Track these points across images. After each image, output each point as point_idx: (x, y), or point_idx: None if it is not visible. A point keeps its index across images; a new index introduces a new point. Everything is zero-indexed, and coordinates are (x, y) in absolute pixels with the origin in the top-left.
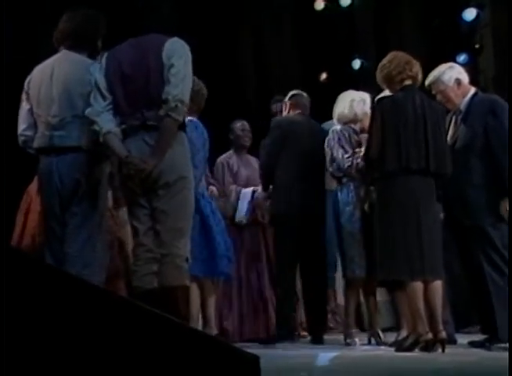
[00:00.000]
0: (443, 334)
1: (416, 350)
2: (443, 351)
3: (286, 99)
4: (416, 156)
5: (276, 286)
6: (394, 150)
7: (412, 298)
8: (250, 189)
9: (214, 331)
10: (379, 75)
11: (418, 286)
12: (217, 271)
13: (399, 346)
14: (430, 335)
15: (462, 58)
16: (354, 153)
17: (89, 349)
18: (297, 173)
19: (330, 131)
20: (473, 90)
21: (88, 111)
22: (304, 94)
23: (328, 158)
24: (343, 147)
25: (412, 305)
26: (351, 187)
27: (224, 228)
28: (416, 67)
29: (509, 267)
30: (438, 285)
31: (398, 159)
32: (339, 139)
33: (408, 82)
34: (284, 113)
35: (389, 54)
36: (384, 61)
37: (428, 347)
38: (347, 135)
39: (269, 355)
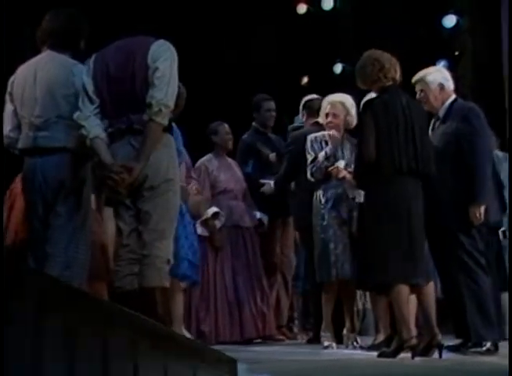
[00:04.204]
0: (439, 338)
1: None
2: (440, 356)
3: (301, 107)
4: (407, 157)
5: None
6: (388, 153)
7: (398, 301)
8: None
9: (182, 331)
10: (359, 75)
11: (404, 289)
12: (178, 273)
13: (382, 352)
14: (414, 341)
15: (441, 64)
16: (315, 158)
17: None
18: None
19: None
20: (453, 97)
21: (76, 115)
22: (318, 97)
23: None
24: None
25: (398, 309)
26: (324, 190)
27: (192, 231)
28: (396, 68)
29: (509, 267)
30: (430, 288)
31: (393, 161)
32: (311, 145)
33: (389, 83)
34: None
35: (366, 53)
36: (362, 62)
37: (413, 352)
38: (319, 141)
39: (246, 358)
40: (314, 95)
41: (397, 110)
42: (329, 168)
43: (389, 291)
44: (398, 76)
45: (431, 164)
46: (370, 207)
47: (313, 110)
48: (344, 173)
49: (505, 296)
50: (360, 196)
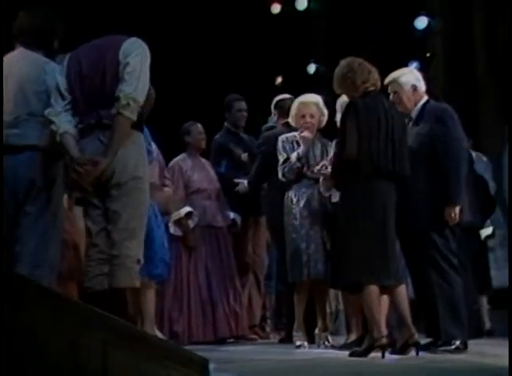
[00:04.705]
0: (416, 338)
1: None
2: (417, 354)
3: (272, 107)
4: (386, 159)
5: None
6: (368, 153)
7: (369, 302)
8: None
9: (154, 331)
10: (341, 83)
11: (374, 289)
12: (154, 273)
13: (354, 351)
14: (384, 340)
15: (413, 66)
16: (287, 159)
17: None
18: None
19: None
20: (425, 98)
21: (47, 111)
22: (290, 96)
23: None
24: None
25: (368, 309)
26: (296, 190)
27: (164, 231)
28: (377, 74)
29: (509, 266)
30: (403, 289)
31: (372, 162)
32: (283, 146)
33: (371, 88)
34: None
35: (346, 61)
36: (345, 69)
37: (384, 351)
38: (290, 141)
39: (219, 357)
40: (286, 95)
41: (379, 112)
42: (317, 169)
43: (360, 291)
44: (378, 82)
45: (407, 165)
46: (346, 207)
47: (284, 109)
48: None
49: (482, 297)
50: (335, 195)
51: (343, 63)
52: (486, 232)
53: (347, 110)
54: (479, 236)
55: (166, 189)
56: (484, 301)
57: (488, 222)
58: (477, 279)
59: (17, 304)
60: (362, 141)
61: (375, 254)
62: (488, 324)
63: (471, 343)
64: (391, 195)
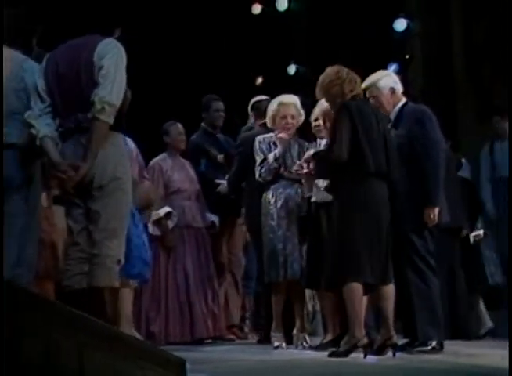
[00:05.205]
0: (395, 339)
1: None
2: (394, 355)
3: (249, 108)
4: (380, 160)
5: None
6: (368, 153)
7: (352, 299)
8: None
9: (131, 331)
10: (329, 89)
11: (358, 287)
12: (132, 273)
13: (333, 351)
14: (366, 340)
15: (392, 68)
16: (264, 159)
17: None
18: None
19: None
20: (404, 100)
21: (27, 114)
22: (267, 98)
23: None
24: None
25: (352, 307)
26: (273, 191)
27: (142, 230)
28: (360, 82)
29: (509, 267)
30: (389, 289)
31: (369, 163)
32: (260, 146)
33: (356, 93)
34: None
35: (333, 68)
36: (333, 76)
37: (365, 351)
38: (267, 142)
39: (195, 358)
40: (262, 97)
41: (369, 114)
42: (294, 170)
43: (343, 290)
44: (362, 91)
45: (397, 168)
46: (341, 206)
47: (261, 111)
48: (296, 175)
49: (475, 298)
50: (319, 195)
51: (330, 70)
52: (476, 233)
53: (340, 111)
54: (460, 237)
55: (146, 182)
56: (480, 301)
57: (479, 225)
58: (470, 280)
59: None
60: (359, 142)
61: (366, 252)
62: (488, 324)
63: (447, 343)
64: (385, 195)
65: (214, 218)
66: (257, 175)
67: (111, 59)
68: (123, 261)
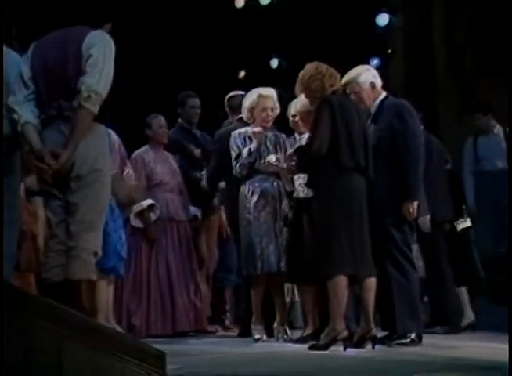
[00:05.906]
0: (374, 332)
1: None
2: (373, 347)
3: (225, 103)
4: (360, 155)
5: None
6: (347, 147)
7: (336, 291)
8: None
9: (107, 323)
10: (309, 84)
11: (343, 280)
12: (106, 266)
13: (314, 344)
14: (346, 332)
15: (374, 62)
16: (239, 154)
17: None
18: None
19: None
20: (383, 94)
21: (10, 100)
22: (242, 93)
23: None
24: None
25: (335, 299)
26: (249, 185)
27: (121, 225)
28: (339, 78)
29: (509, 267)
30: (372, 282)
31: (351, 156)
32: (235, 141)
33: (336, 88)
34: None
35: (313, 64)
36: (313, 72)
37: (346, 344)
38: (242, 137)
39: (176, 351)
40: (237, 92)
41: (351, 109)
42: (262, 163)
43: (328, 284)
44: (341, 85)
45: (371, 164)
46: (323, 199)
47: (235, 106)
48: (275, 168)
49: (461, 290)
50: (301, 190)
51: (310, 66)
52: (463, 224)
53: (322, 106)
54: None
55: (129, 177)
56: (464, 293)
57: (465, 215)
58: (456, 271)
59: None
60: (339, 136)
61: (349, 245)
62: (471, 317)
63: (426, 336)
64: (364, 189)
65: (197, 211)
66: (234, 171)
67: (100, 49)
68: (100, 253)
